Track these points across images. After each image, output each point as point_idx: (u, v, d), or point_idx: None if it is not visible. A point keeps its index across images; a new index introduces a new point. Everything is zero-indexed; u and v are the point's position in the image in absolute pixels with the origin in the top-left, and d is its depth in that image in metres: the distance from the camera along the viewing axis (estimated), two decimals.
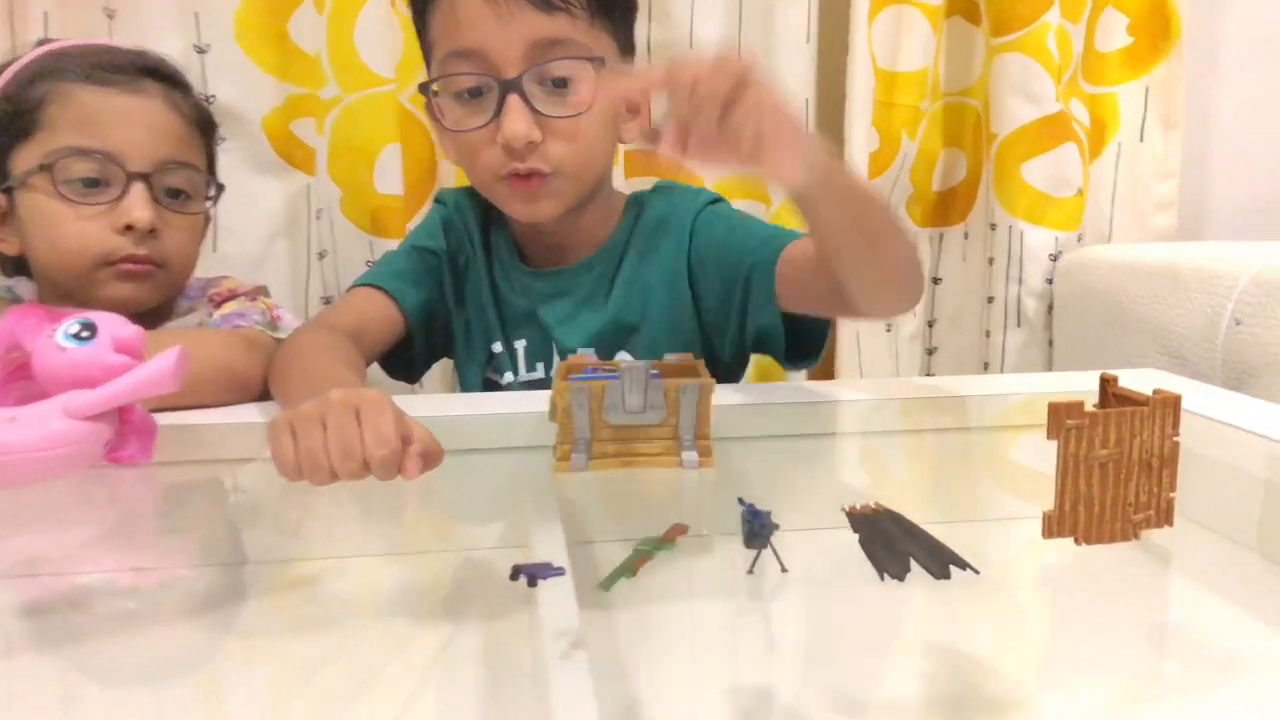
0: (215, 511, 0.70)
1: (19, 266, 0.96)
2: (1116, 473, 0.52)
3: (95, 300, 0.89)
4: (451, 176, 1.29)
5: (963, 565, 0.49)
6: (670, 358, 0.74)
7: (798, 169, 0.66)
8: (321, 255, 1.29)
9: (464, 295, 0.99)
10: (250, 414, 0.79)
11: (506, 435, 0.76)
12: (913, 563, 0.50)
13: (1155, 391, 0.52)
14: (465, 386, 1.01)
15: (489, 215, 1.00)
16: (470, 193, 1.00)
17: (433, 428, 0.55)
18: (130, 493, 0.67)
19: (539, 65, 0.85)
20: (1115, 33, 1.41)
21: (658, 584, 0.49)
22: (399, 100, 1.24)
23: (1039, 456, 0.51)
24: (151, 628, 0.49)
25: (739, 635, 0.47)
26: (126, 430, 0.58)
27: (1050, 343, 1.40)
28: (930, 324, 1.49)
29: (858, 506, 0.56)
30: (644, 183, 1.05)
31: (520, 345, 0.97)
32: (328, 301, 1.28)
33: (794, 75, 1.33)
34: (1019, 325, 1.41)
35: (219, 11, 1.20)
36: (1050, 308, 1.40)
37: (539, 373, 0.97)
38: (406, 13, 1.22)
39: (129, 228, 0.87)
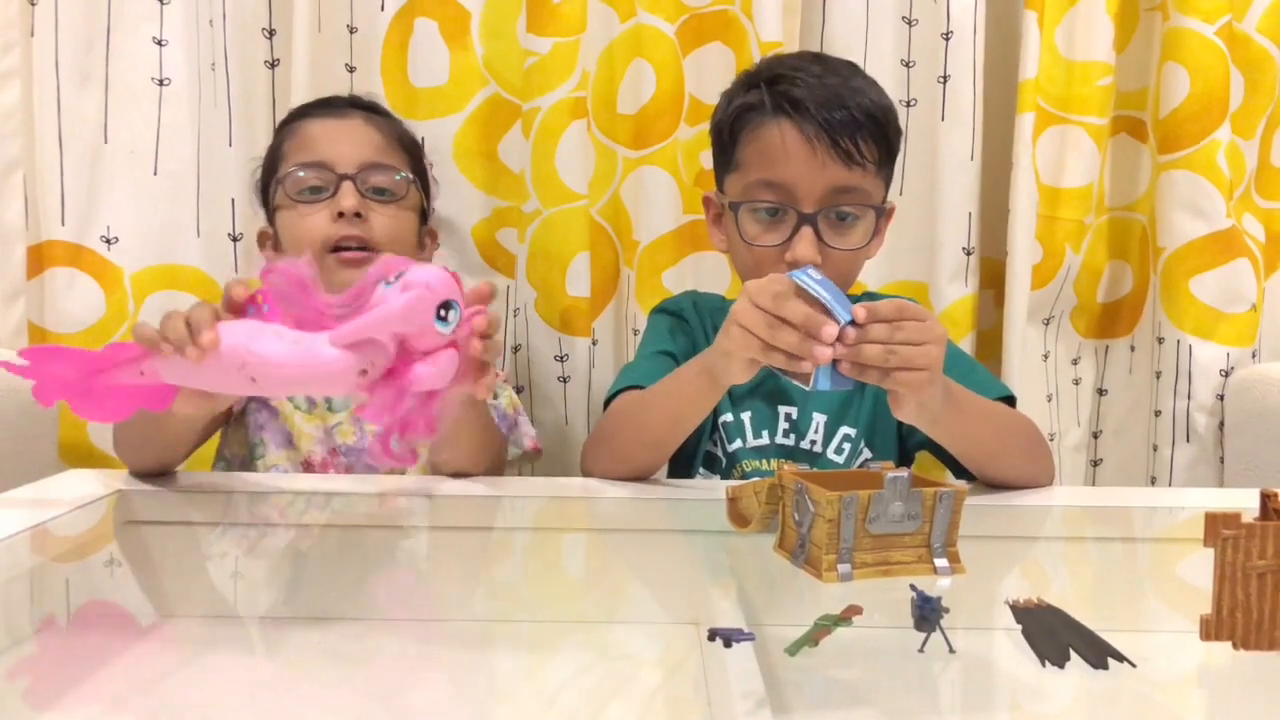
0: (485, 572, 0.78)
1: None
2: (1275, 583, 0.55)
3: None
4: (632, 284, 1.42)
5: (1120, 658, 0.53)
6: (874, 465, 0.76)
7: (914, 411, 0.84)
8: (516, 349, 1.42)
9: None
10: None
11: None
12: (1072, 653, 0.54)
13: None
14: (684, 460, 1.10)
15: (714, 317, 1.15)
16: (695, 297, 1.22)
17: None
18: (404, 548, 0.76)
19: (832, 206, 1.03)
20: None
21: (836, 654, 0.56)
22: (590, 214, 1.37)
23: (1203, 573, 0.54)
24: (412, 669, 0.58)
25: (908, 703, 0.53)
26: (413, 418, 0.65)
27: (1222, 460, 1.38)
28: (1095, 435, 1.49)
29: (1020, 600, 0.61)
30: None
31: (746, 416, 1.11)
32: (519, 390, 1.40)
33: (958, 190, 1.39)
34: (1188, 441, 1.39)
35: (441, 134, 1.37)
36: (1222, 424, 1.38)
37: (764, 439, 1.10)
38: (601, 137, 1.38)
39: (340, 215, 1.08)
